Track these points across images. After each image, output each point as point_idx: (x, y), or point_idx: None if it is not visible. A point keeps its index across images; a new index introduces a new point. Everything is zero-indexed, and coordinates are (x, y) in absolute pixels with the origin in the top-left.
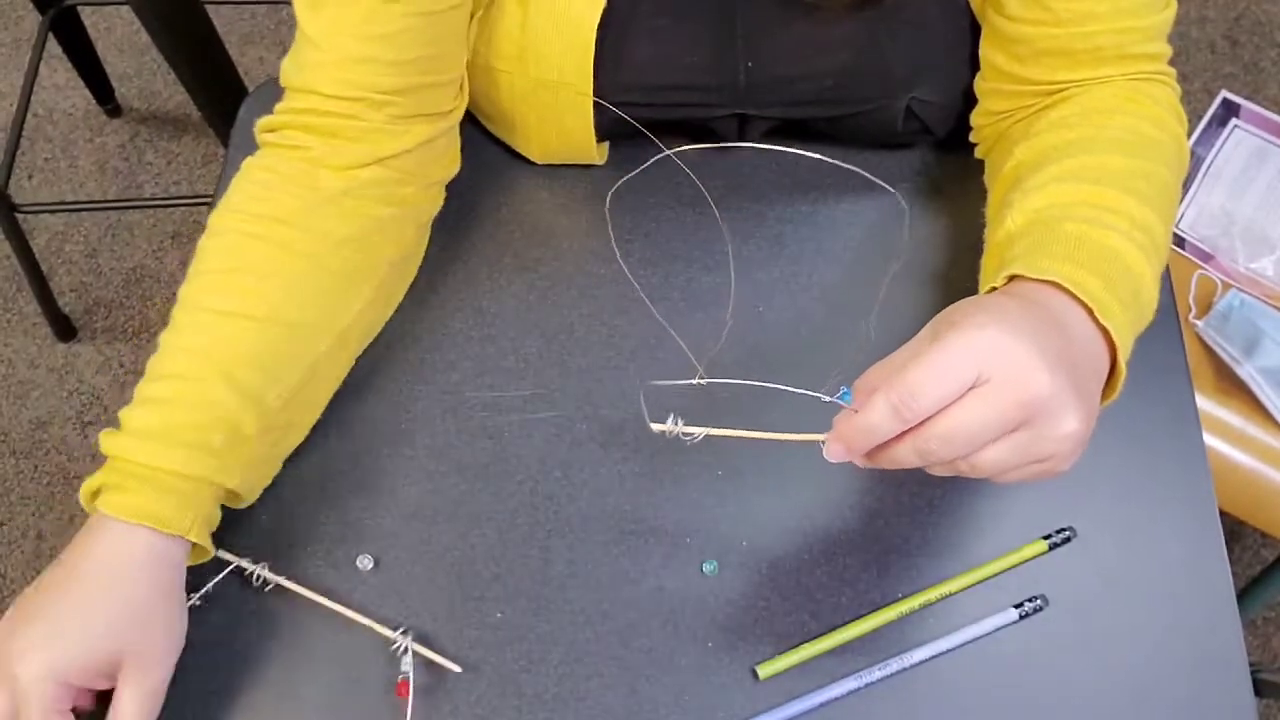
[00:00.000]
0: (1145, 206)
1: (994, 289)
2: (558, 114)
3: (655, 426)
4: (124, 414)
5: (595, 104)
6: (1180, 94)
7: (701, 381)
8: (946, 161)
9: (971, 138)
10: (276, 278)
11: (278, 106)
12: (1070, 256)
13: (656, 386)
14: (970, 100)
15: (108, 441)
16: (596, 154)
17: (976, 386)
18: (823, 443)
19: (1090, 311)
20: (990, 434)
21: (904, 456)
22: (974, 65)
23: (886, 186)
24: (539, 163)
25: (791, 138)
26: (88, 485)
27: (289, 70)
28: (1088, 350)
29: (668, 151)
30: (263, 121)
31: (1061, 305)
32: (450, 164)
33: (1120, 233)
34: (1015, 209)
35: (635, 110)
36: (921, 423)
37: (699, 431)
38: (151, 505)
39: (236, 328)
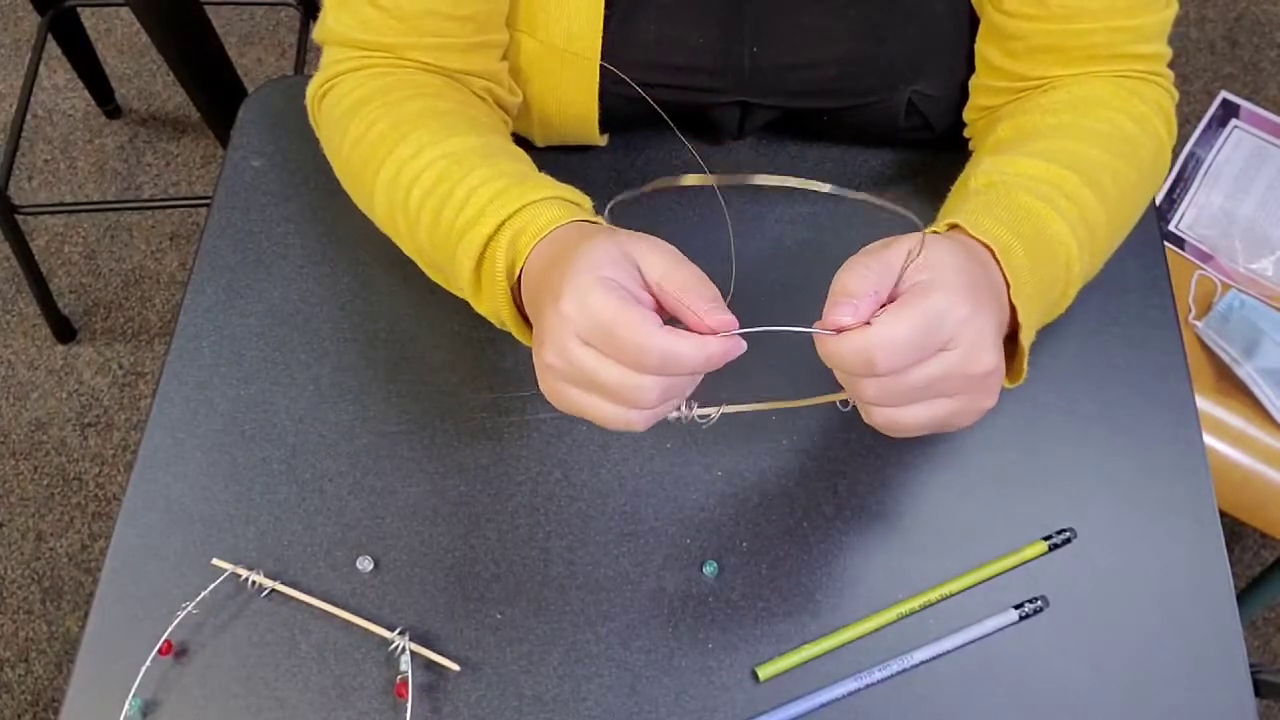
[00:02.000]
0: (1101, 205)
1: (936, 231)
2: (563, 83)
3: (669, 415)
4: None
5: (600, 79)
6: (1176, 97)
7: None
8: (946, 161)
9: (965, 133)
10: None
11: (325, 65)
12: (1012, 225)
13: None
14: (967, 95)
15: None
16: (597, 131)
17: (940, 350)
18: (839, 403)
19: (1007, 284)
20: (930, 392)
21: (852, 372)
22: (972, 60)
23: (903, 211)
24: (539, 144)
25: (792, 133)
26: (491, 299)
27: (337, 28)
28: (1001, 309)
29: (711, 181)
30: (315, 85)
31: (989, 263)
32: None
33: (1067, 221)
34: (981, 169)
35: (642, 92)
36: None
37: (714, 411)
38: (547, 215)
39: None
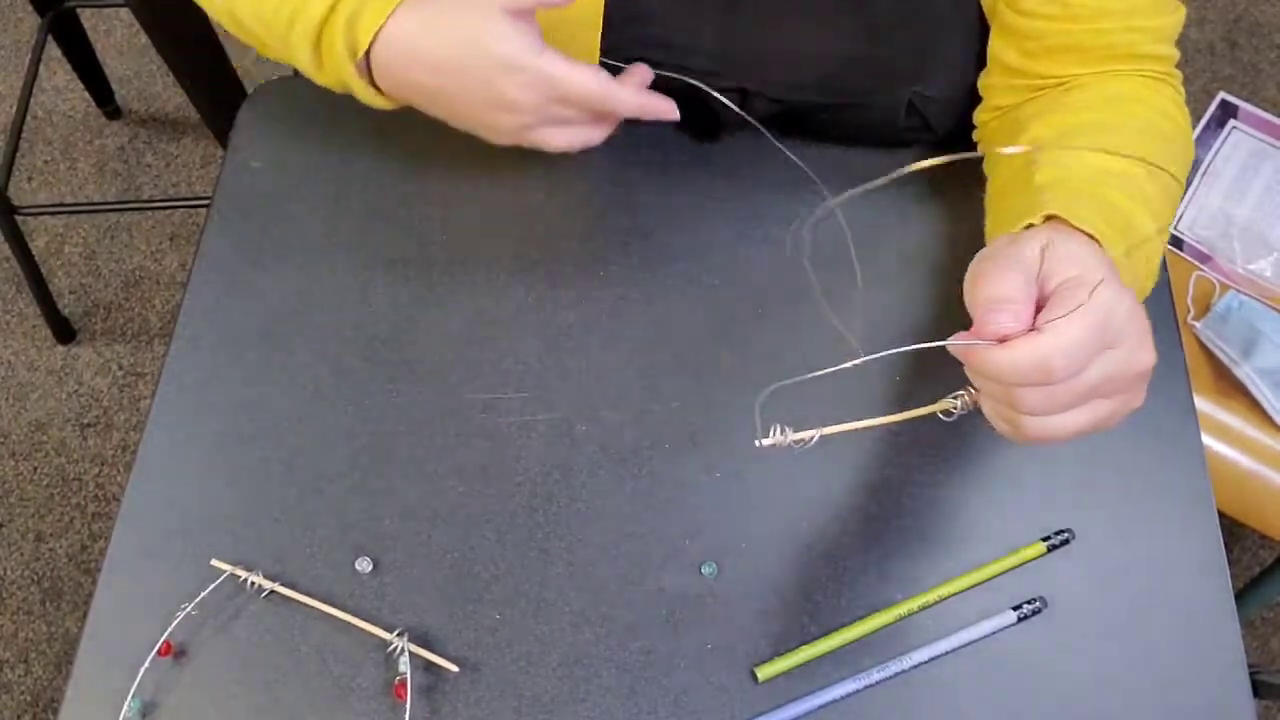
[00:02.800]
0: (1164, 196)
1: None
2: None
3: (763, 442)
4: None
5: (601, 51)
6: (1185, 97)
7: (833, 370)
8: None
9: (975, 135)
10: None
11: None
12: (1105, 216)
13: (776, 388)
14: (972, 99)
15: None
16: None
17: (1106, 348)
18: (940, 414)
19: None
20: (1093, 394)
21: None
22: (978, 63)
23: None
24: None
25: (792, 130)
26: (335, 69)
27: None
28: None
29: (832, 204)
30: None
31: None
32: None
33: (1150, 213)
34: (1043, 166)
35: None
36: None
37: (811, 435)
38: None
39: None
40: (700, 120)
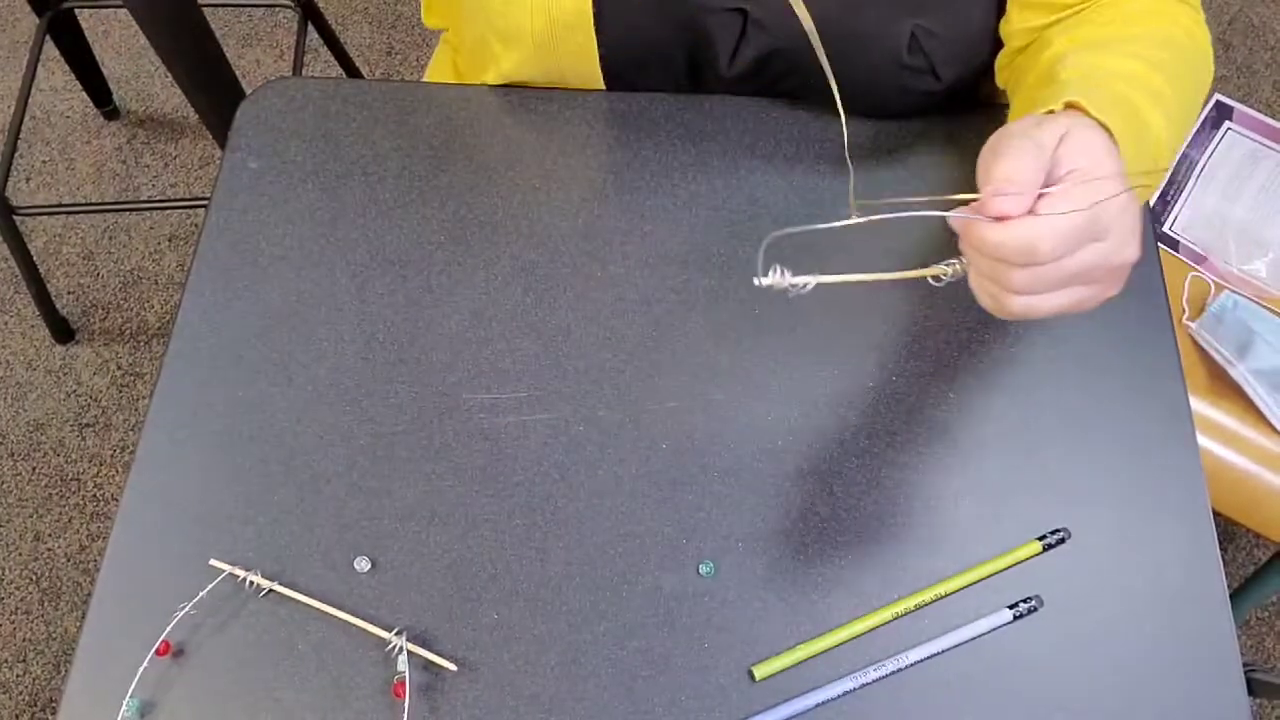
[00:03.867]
0: (1179, 102)
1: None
2: None
3: (762, 281)
4: None
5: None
6: (1204, 19)
7: (837, 224)
8: (947, 156)
9: (999, 81)
10: None
11: None
12: (1120, 112)
13: (778, 237)
14: (977, 50)
15: None
16: (595, 44)
17: (1092, 240)
18: (931, 278)
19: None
20: (1074, 280)
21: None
22: (982, 8)
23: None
24: (540, 82)
25: (790, 88)
26: None
27: None
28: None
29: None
30: None
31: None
32: None
33: (1164, 113)
34: (1068, 63)
35: None
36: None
37: (808, 280)
38: None
39: None
40: (696, 63)
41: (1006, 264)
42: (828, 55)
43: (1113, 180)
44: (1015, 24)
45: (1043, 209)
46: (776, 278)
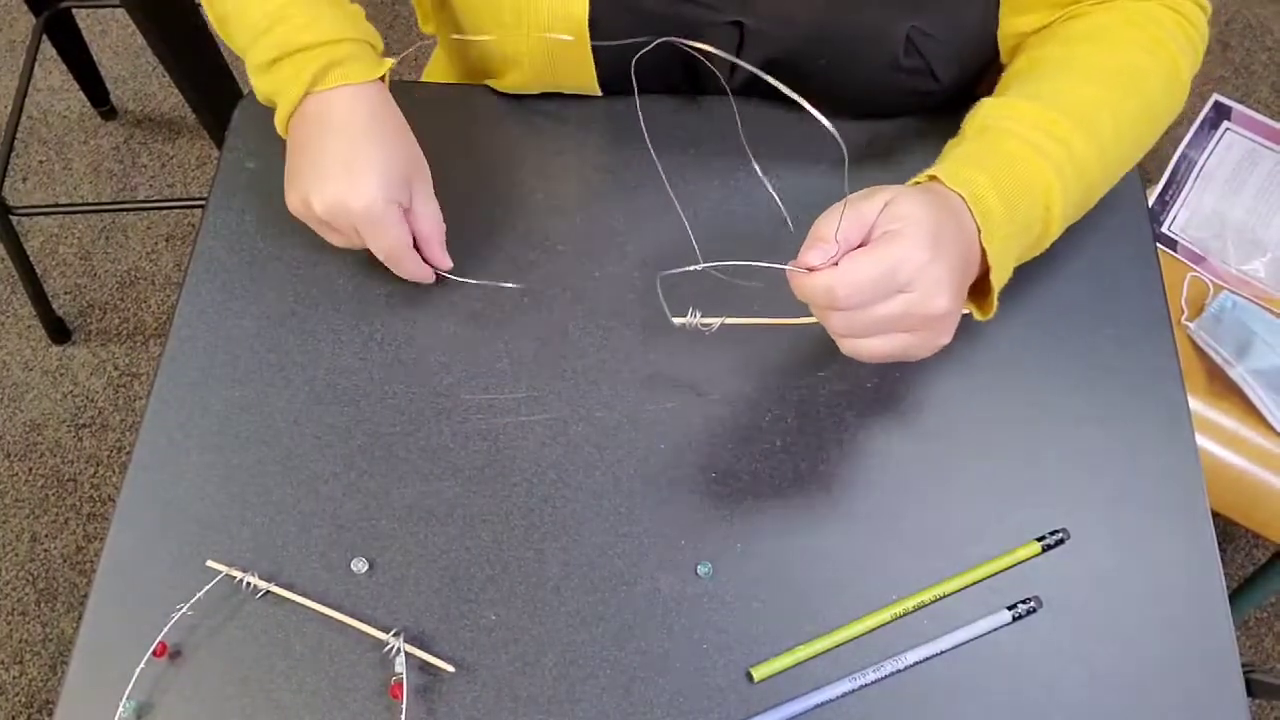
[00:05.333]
0: (1091, 144)
1: (919, 183)
2: None
3: (676, 320)
4: (270, 40)
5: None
6: (1206, 14)
7: (702, 267)
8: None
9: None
10: None
11: None
12: (993, 172)
13: (668, 276)
14: (976, 50)
15: (271, 57)
16: (590, 54)
17: (899, 291)
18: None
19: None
20: (889, 327)
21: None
22: (980, 4)
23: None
24: (535, 90)
25: (787, 93)
26: (277, 89)
27: None
28: (971, 254)
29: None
30: None
31: (962, 211)
32: None
33: (1053, 165)
34: (981, 112)
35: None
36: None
37: (716, 322)
38: (361, 67)
39: None
40: (694, 74)
41: (822, 309)
42: (824, 58)
43: (913, 241)
44: (1005, 29)
45: (844, 263)
46: (689, 318)
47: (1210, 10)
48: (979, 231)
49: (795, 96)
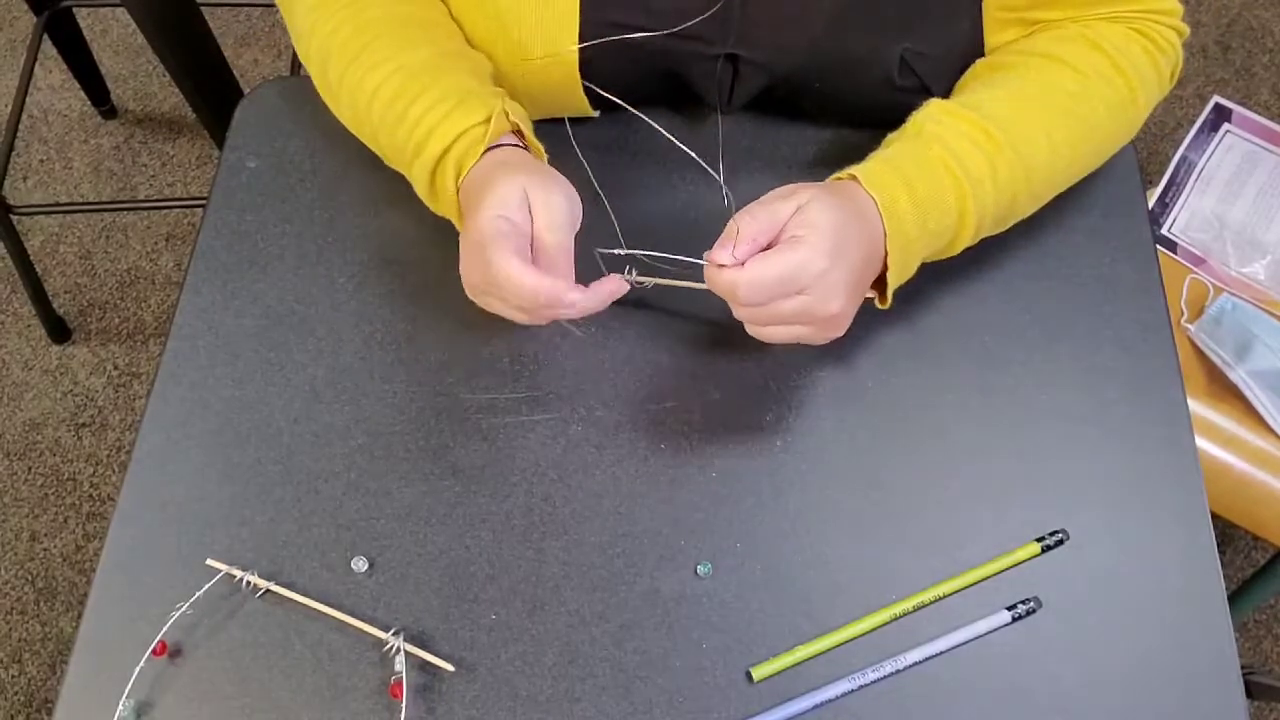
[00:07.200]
0: (1020, 162)
1: (840, 179)
2: (544, 21)
3: (612, 278)
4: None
5: (582, 23)
6: (1183, 37)
7: (629, 252)
8: None
9: None
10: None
11: None
12: (909, 179)
13: (602, 254)
14: (966, 59)
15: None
16: (581, 88)
17: (798, 293)
18: None
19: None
20: (788, 320)
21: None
22: (968, 18)
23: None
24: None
25: (787, 112)
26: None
27: None
28: (874, 254)
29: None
30: None
31: (871, 214)
32: None
33: (970, 180)
34: (925, 113)
35: (627, 34)
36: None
37: (649, 281)
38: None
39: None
40: (687, 101)
41: (728, 300)
42: (820, 81)
43: (814, 249)
44: (990, 44)
45: (750, 265)
46: (625, 277)
47: (1188, 34)
48: (885, 236)
49: (684, 148)
